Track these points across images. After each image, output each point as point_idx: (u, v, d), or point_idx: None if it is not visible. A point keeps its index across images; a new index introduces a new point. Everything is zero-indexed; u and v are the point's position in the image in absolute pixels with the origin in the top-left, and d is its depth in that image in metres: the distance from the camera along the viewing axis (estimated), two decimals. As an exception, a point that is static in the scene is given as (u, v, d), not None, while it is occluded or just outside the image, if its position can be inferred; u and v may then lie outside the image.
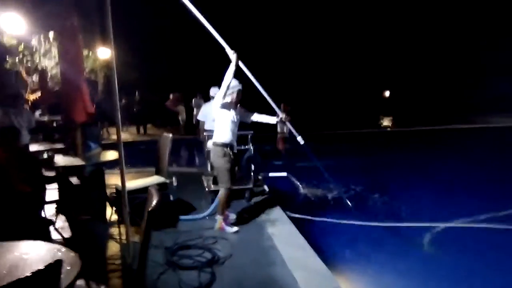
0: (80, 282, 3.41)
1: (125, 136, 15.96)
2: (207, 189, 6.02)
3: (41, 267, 1.29)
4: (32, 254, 2.06)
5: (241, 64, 4.45)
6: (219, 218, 4.80)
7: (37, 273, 1.27)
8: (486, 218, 5.74)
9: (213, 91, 6.37)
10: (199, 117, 6.68)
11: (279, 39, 28.76)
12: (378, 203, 6.89)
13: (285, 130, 15.91)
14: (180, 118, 16.65)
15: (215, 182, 5.68)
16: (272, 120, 4.83)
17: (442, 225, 5.49)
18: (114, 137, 15.08)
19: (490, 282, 4.05)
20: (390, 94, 36.52)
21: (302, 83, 29.02)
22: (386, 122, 25.12)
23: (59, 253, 2.06)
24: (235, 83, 4.60)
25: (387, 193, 7.25)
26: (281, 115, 4.79)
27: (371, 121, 23.40)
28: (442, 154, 12.10)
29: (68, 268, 1.94)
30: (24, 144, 6.45)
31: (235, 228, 4.78)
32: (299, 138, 4.87)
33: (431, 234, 5.25)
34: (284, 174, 7.36)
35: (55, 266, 1.35)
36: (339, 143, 14.95)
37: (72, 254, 2.04)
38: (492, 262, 4.47)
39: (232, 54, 4.41)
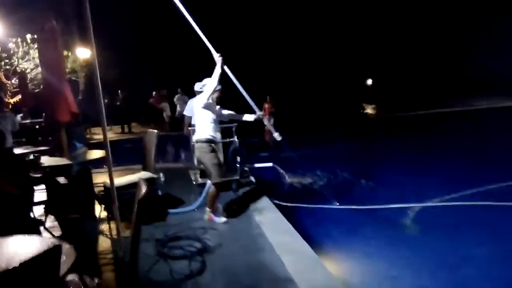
0: (73, 276, 3.51)
1: (110, 135, 15.79)
2: (194, 183, 6.12)
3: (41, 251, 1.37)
4: (27, 247, 2.14)
5: (225, 68, 4.57)
6: (208, 209, 4.91)
7: (38, 257, 1.35)
8: (463, 196, 6.01)
9: (198, 86, 6.45)
10: (186, 112, 6.74)
11: (261, 31, 28.79)
12: (360, 187, 7.13)
13: (268, 123, 15.99)
14: (164, 115, 16.65)
15: (202, 175, 5.79)
16: (250, 117, 4.96)
17: (418, 205, 5.72)
18: (97, 136, 15.07)
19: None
20: (372, 82, 36.93)
21: (286, 75, 29.13)
22: (369, 110, 25.44)
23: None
24: (219, 87, 4.74)
25: (368, 177, 7.50)
26: (258, 112, 4.93)
27: (354, 109, 23.72)
28: (422, 139, 12.42)
29: (63, 258, 2.02)
30: (8, 147, 6.45)
31: (224, 219, 4.90)
32: (276, 135, 5.02)
33: (410, 214, 5.48)
34: (269, 164, 7.50)
35: (55, 251, 1.43)
36: (324, 132, 15.17)
37: (66, 245, 2.13)
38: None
39: (217, 57, 4.53)
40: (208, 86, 4.65)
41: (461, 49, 29.52)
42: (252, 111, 5.01)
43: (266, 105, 17.12)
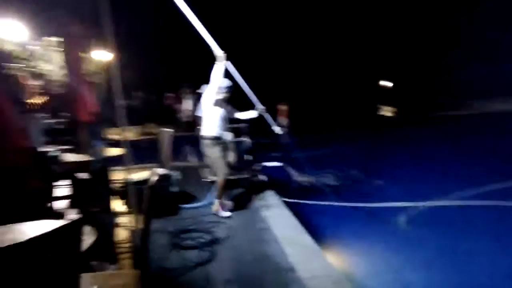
0: (94, 263, 3.84)
1: (128, 135, 16.36)
2: (206, 180, 6.42)
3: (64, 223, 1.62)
4: (50, 228, 2.42)
5: (228, 64, 4.84)
6: (216, 201, 5.21)
7: (60, 229, 1.60)
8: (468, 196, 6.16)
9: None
10: (198, 113, 7.03)
11: (274, 32, 28.95)
12: (369, 186, 7.31)
13: (284, 124, 16.36)
14: (180, 115, 17.06)
15: (212, 172, 6.09)
16: (253, 114, 5.26)
17: (423, 204, 5.89)
18: (115, 136, 15.52)
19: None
20: (392, 84, 36.76)
21: (303, 76, 29.25)
22: (386, 111, 25.48)
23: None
24: (228, 83, 5.01)
25: (379, 176, 7.69)
26: (260, 107, 5.22)
27: (370, 110, 23.78)
28: (441, 140, 12.46)
29: (86, 237, 2.33)
30: (37, 146, 6.87)
31: (228, 213, 5.20)
32: (276, 128, 5.29)
33: (412, 213, 5.66)
34: (279, 163, 7.75)
35: (77, 223, 1.69)
36: (338, 132, 15.35)
37: (88, 227, 2.43)
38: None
39: (221, 54, 4.80)
40: (213, 82, 4.90)
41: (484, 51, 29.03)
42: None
43: (282, 107, 17.41)
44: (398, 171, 8.44)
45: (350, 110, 21.93)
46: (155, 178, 2.42)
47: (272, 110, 16.55)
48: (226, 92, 5.06)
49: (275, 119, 16.75)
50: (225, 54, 4.77)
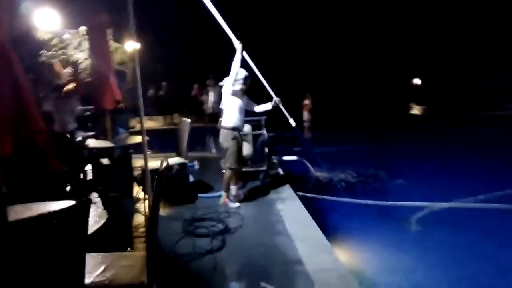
0: (109, 245, 4.01)
1: (152, 124, 16.73)
2: (224, 171, 6.52)
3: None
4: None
5: (245, 54, 4.94)
6: (223, 194, 5.30)
7: (68, 208, 1.70)
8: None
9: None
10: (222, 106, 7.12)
11: (310, 30, 28.81)
12: (385, 184, 7.26)
13: (307, 119, 16.37)
14: (205, 107, 17.23)
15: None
16: (268, 106, 5.33)
17: (436, 204, 5.82)
18: (146, 125, 15.88)
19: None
20: (422, 82, 35.89)
21: (332, 73, 29.01)
22: (416, 110, 24.98)
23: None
24: (245, 74, 5.10)
25: (396, 175, 7.61)
26: (275, 98, 5.28)
27: (400, 108, 23.39)
28: (469, 140, 12.15)
29: (96, 219, 2.45)
30: (69, 131, 7.20)
31: (237, 204, 5.28)
32: (291, 121, 5.34)
33: (427, 214, 5.60)
34: (296, 158, 7.77)
35: (85, 203, 1.79)
36: (362, 130, 15.20)
37: (100, 209, 2.55)
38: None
39: (238, 44, 4.90)
40: (231, 71, 5.03)
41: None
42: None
43: (306, 102, 17.37)
44: (420, 170, 8.30)
45: (381, 107, 21.61)
46: (164, 166, 2.52)
47: (298, 105, 16.51)
48: (243, 83, 5.14)
49: (300, 113, 16.73)
50: (241, 45, 4.88)
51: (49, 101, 7.64)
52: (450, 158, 9.55)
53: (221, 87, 6.56)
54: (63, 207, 1.67)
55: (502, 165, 8.31)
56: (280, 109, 5.53)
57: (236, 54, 4.99)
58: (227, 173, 5.30)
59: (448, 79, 30.01)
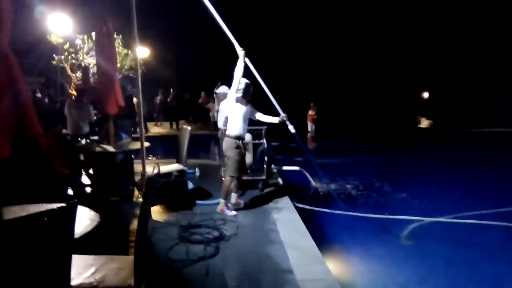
0: (105, 248, 4.08)
1: (159, 130, 16.92)
2: (223, 179, 6.59)
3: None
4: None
5: (247, 61, 5.03)
6: (222, 201, 5.36)
7: (51, 211, 1.76)
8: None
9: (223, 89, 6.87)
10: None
11: (317, 39, 28.98)
12: (385, 197, 7.27)
13: (311, 130, 16.45)
14: (211, 114, 17.36)
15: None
16: (274, 120, 5.39)
17: (427, 219, 5.82)
18: (152, 130, 16.08)
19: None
20: (429, 95, 35.81)
21: (338, 84, 29.13)
22: (423, 124, 24.94)
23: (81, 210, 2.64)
24: (246, 81, 5.19)
25: (397, 188, 7.63)
26: (282, 114, 5.35)
27: (407, 121, 23.36)
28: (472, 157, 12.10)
29: (88, 222, 2.53)
30: (83, 134, 7.41)
31: (234, 212, 5.34)
32: (290, 127, 5.41)
33: (424, 228, 5.61)
34: (297, 168, 7.82)
35: (69, 208, 1.86)
36: (367, 142, 15.21)
37: (92, 212, 2.63)
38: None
39: (240, 51, 4.99)
40: (234, 78, 5.11)
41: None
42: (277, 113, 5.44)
43: (311, 112, 17.47)
44: (423, 184, 8.29)
45: (388, 120, 21.60)
46: (155, 172, 2.59)
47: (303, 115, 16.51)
48: (245, 91, 5.21)
49: (305, 123, 16.76)
50: (244, 52, 4.97)
51: (57, 103, 7.82)
52: (455, 174, 9.51)
53: (218, 94, 6.66)
54: (43, 209, 1.74)
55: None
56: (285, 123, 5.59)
57: (238, 61, 5.08)
58: (226, 181, 5.36)
59: (457, 94, 29.92)
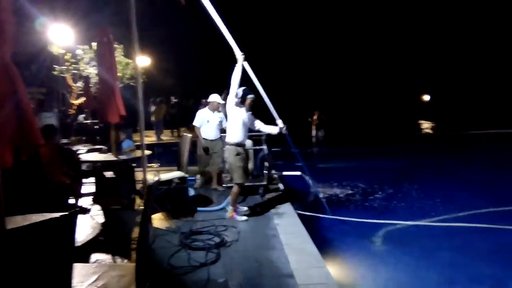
0: (107, 256, 4.12)
1: (158, 138, 16.94)
2: (224, 185, 6.63)
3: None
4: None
5: (246, 66, 5.06)
6: (231, 208, 5.39)
7: (52, 220, 1.81)
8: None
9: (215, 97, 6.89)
10: (195, 123, 6.94)
11: (316, 43, 29.11)
12: (385, 202, 7.29)
13: (315, 135, 16.52)
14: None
15: (230, 178, 6.29)
16: (274, 130, 5.42)
17: (422, 223, 5.85)
18: (149, 139, 16.12)
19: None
20: (431, 98, 35.81)
21: (341, 88, 29.22)
22: (426, 127, 24.95)
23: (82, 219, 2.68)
24: (243, 88, 5.22)
25: (395, 193, 7.66)
26: (281, 125, 5.38)
27: (410, 125, 23.40)
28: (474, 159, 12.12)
29: (90, 230, 2.57)
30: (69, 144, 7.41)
31: (244, 218, 5.36)
32: (283, 128, 5.43)
33: (426, 232, 5.62)
34: (298, 173, 7.85)
35: (69, 217, 1.90)
36: (371, 146, 15.25)
37: (94, 221, 2.67)
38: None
39: (240, 55, 5.02)
40: (232, 83, 5.11)
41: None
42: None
43: (315, 117, 17.57)
44: (426, 189, 8.31)
45: (390, 124, 21.65)
46: (156, 180, 2.63)
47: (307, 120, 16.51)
48: (243, 97, 5.24)
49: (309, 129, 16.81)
50: (243, 56, 5.00)
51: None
52: (460, 177, 9.53)
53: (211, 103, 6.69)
54: (45, 219, 1.78)
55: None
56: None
57: (236, 65, 5.07)
58: (234, 188, 5.38)
59: (459, 96, 29.93)
